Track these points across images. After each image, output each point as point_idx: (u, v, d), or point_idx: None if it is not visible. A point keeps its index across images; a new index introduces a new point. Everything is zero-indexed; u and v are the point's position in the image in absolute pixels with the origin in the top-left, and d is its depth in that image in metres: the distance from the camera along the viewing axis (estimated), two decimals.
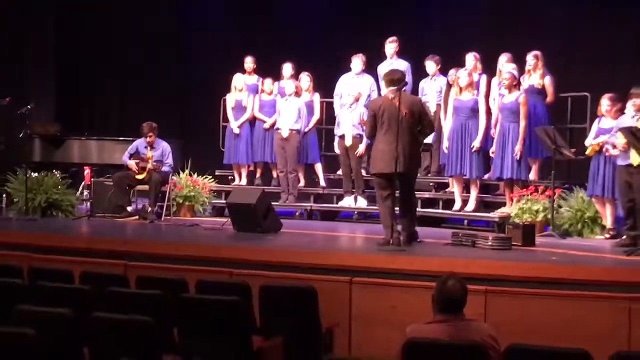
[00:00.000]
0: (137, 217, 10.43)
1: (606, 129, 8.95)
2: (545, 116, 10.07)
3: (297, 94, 11.25)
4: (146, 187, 10.47)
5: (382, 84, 10.96)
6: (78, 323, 4.52)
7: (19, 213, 10.30)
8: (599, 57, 11.82)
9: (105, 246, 7.95)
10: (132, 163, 10.46)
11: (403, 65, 10.78)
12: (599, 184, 8.96)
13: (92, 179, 11.30)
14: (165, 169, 10.54)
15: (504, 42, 11.14)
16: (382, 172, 8.03)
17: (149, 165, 10.40)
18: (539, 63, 10.12)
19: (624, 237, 8.37)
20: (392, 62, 11.07)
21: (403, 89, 8.09)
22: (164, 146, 10.64)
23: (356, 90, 10.94)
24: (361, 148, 10.63)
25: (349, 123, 10.79)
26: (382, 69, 11.15)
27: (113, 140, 12.48)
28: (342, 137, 10.88)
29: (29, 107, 11.06)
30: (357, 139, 10.67)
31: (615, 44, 11.76)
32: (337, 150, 11.17)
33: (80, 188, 11.86)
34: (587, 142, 9.16)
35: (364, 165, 10.85)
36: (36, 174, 10.73)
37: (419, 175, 9.11)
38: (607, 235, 8.97)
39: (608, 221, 9.05)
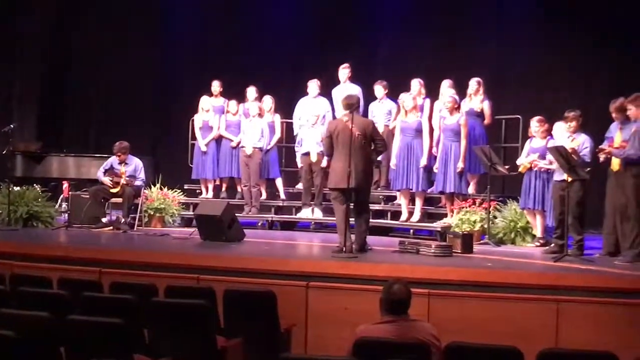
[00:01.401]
0: (111, 227, 10.31)
1: (536, 148, 9.09)
2: (483, 136, 10.17)
3: (260, 114, 11.25)
4: (120, 199, 10.37)
5: (337, 106, 11.09)
6: (55, 325, 4.46)
7: (1, 224, 10.12)
8: (527, 83, 12.05)
9: (82, 254, 7.84)
10: (106, 180, 10.36)
11: (355, 89, 10.85)
12: (530, 197, 9.07)
13: (69, 193, 11.17)
14: (137, 183, 10.46)
15: (445, 69, 11.27)
16: (337, 187, 8.07)
17: (123, 180, 10.32)
18: (480, 88, 10.24)
19: (553, 245, 8.44)
20: (346, 86, 11.13)
21: (357, 111, 8.18)
22: (136, 162, 10.56)
23: (316, 111, 10.97)
24: (324, 163, 10.66)
25: (313, 141, 10.82)
26: (336, 92, 11.21)
27: (89, 157, 12.44)
28: (306, 154, 10.89)
29: (12, 126, 10.95)
30: (321, 154, 10.71)
31: (541, 72, 12.01)
32: (299, 165, 11.17)
33: (59, 201, 11.71)
34: (519, 161, 9.27)
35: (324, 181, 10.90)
36: (18, 188, 10.56)
37: None
38: (538, 244, 9.07)
39: (538, 231, 9.16)
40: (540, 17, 12.09)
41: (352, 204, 8.18)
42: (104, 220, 10.49)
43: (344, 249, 7.84)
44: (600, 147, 8.12)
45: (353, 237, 8.15)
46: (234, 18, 14.08)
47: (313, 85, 11.30)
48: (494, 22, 12.38)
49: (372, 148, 8.22)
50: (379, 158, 10.28)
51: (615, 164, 7.91)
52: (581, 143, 8.20)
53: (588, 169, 8.05)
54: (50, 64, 14.48)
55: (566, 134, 8.40)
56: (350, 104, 8.15)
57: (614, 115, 8.19)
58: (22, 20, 14.02)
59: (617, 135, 8.06)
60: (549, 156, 8.61)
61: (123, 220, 10.27)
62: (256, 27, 13.92)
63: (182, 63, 14.23)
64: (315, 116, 10.87)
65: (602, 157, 8.08)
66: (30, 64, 14.28)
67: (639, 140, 7.61)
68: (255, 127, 11.12)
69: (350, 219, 8.22)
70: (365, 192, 8.37)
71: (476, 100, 10.23)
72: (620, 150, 7.84)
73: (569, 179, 7.91)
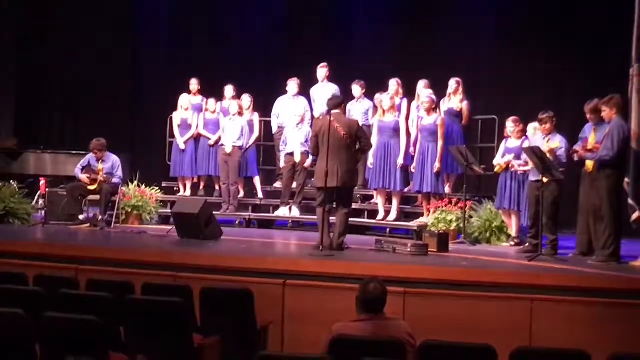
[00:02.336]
0: (88, 224, 10.24)
1: (512, 149, 9.15)
2: (460, 136, 10.21)
3: (240, 113, 11.21)
4: (97, 197, 10.28)
5: (315, 105, 11.09)
6: (31, 322, 4.43)
7: None
8: (503, 85, 12.14)
9: (58, 251, 7.77)
10: (83, 177, 10.29)
11: (333, 88, 10.87)
12: (505, 197, 9.13)
13: (47, 189, 11.03)
14: (115, 180, 10.39)
15: (422, 69, 11.31)
16: (322, 185, 8.08)
17: (100, 178, 10.25)
18: (459, 88, 10.26)
19: (527, 244, 8.50)
20: (324, 85, 11.15)
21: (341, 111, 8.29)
22: (114, 159, 10.48)
23: (297, 111, 10.95)
24: (308, 162, 10.69)
25: (297, 141, 10.80)
26: (314, 91, 11.22)
27: (67, 154, 12.33)
28: (291, 154, 10.87)
29: None
30: (305, 154, 10.71)
31: (516, 74, 12.11)
32: (282, 165, 11.14)
33: (36, 197, 11.59)
34: (495, 161, 9.33)
35: (307, 180, 10.92)
36: None
37: None
38: (512, 243, 9.13)
39: (513, 230, 9.22)
40: (515, 18, 12.17)
41: (335, 201, 8.22)
42: (81, 217, 10.42)
43: (321, 247, 7.85)
44: (573, 148, 8.19)
45: (332, 236, 8.18)
46: (211, 15, 14.01)
47: (293, 84, 11.28)
48: (470, 22, 12.43)
49: (357, 148, 8.27)
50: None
51: (589, 165, 7.98)
52: (558, 143, 8.27)
53: (562, 169, 8.12)
54: (26, 60, 14.34)
55: (541, 135, 8.46)
56: (337, 104, 8.24)
57: (588, 116, 8.26)
58: None
59: (591, 136, 8.12)
60: (524, 156, 8.67)
61: (100, 217, 10.20)
62: (233, 25, 13.89)
63: (159, 60, 14.15)
64: (299, 116, 10.85)
65: (576, 157, 8.16)
66: (5, 60, 14.13)
67: (611, 142, 7.67)
68: (236, 125, 11.09)
69: (332, 218, 8.26)
70: (349, 191, 8.41)
71: (455, 100, 10.26)
72: (593, 153, 7.91)
73: (545, 180, 7.97)
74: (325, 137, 8.00)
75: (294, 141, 10.85)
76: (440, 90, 10.33)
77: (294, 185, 10.86)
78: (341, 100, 8.49)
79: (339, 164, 7.94)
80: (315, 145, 8.25)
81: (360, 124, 10.53)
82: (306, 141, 10.59)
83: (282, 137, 11.13)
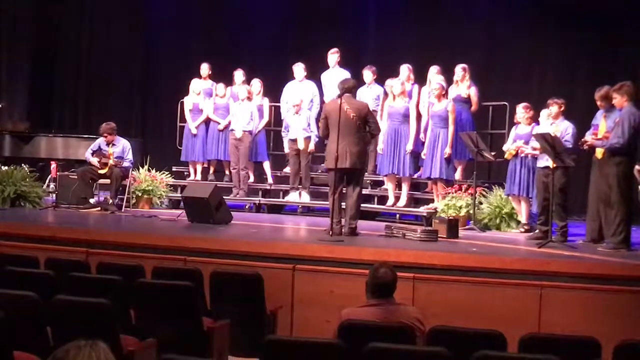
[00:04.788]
0: (99, 208, 10.27)
1: (522, 135, 9.12)
2: (470, 123, 10.19)
3: (249, 98, 11.21)
4: (108, 181, 10.32)
5: (326, 90, 11.06)
6: (42, 305, 4.44)
7: None
8: (514, 71, 12.09)
9: (69, 235, 7.79)
10: (93, 160, 10.31)
11: (344, 74, 10.83)
12: (515, 183, 9.10)
13: (57, 173, 11.09)
14: (125, 164, 10.41)
15: (433, 56, 11.28)
16: (332, 167, 8.09)
17: (111, 162, 10.27)
18: (466, 75, 10.24)
19: (537, 231, 8.49)
20: (335, 71, 11.11)
21: (352, 95, 8.30)
22: (124, 144, 10.50)
23: (299, 97, 10.95)
24: (311, 146, 10.73)
25: (299, 127, 10.81)
26: (325, 77, 11.19)
27: (78, 138, 12.36)
28: (294, 140, 10.88)
29: (0, 106, 10.86)
30: (307, 140, 10.73)
31: (528, 60, 12.04)
32: (287, 150, 11.17)
33: (47, 181, 11.63)
34: (505, 147, 9.30)
35: (311, 165, 10.94)
36: (6, 168, 10.50)
37: None
38: (522, 230, 9.11)
39: (523, 217, 9.20)
40: (529, 4, 12.10)
41: (345, 185, 8.22)
42: (91, 201, 10.45)
43: (331, 232, 7.85)
44: (583, 139, 8.15)
45: (343, 221, 8.19)
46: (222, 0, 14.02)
47: (299, 69, 11.27)
48: (482, 9, 12.38)
49: (366, 131, 8.27)
50: None
51: (599, 152, 7.94)
52: (564, 129, 8.24)
53: (573, 156, 8.09)
54: (39, 44, 14.37)
55: (549, 121, 8.44)
56: (348, 88, 8.23)
57: (598, 103, 8.21)
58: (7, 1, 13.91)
59: (601, 123, 8.08)
60: (533, 142, 8.64)
61: (111, 201, 10.22)
62: (244, 10, 13.87)
63: (170, 45, 14.14)
64: (299, 100, 10.85)
65: (585, 147, 8.12)
66: (18, 44, 14.16)
67: (622, 129, 7.63)
68: (245, 110, 11.09)
69: (342, 204, 8.27)
70: (359, 173, 8.39)
71: (463, 86, 10.24)
72: (603, 142, 7.87)
73: (553, 166, 7.94)
74: (336, 119, 8.01)
75: (295, 127, 10.86)
76: (452, 77, 10.30)
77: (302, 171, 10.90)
78: (353, 84, 8.46)
79: (349, 145, 7.96)
80: (325, 126, 8.25)
81: (372, 110, 10.62)
82: (308, 125, 10.62)
83: (284, 123, 11.14)
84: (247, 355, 5.30)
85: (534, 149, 8.75)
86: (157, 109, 13.97)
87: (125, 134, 10.76)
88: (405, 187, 10.15)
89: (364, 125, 8.19)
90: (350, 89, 8.25)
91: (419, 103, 10.37)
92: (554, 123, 8.34)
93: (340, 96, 8.04)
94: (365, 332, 4.12)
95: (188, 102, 11.69)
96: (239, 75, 11.59)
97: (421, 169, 10.15)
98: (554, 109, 8.38)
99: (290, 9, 13.56)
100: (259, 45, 13.48)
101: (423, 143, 10.03)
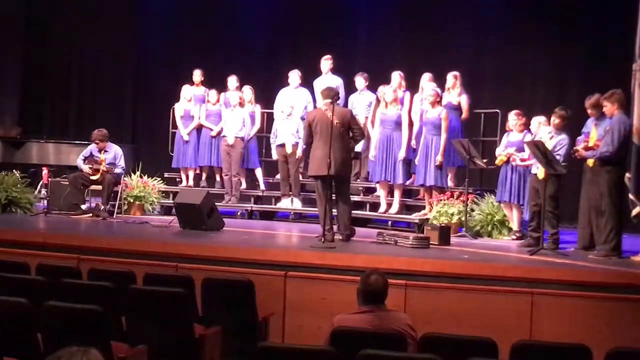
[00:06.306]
0: (90, 214, 10.25)
1: (513, 142, 9.15)
2: (459, 130, 10.21)
3: (241, 104, 11.22)
4: (99, 187, 10.31)
5: (318, 97, 11.06)
6: (33, 311, 4.42)
7: None
8: (506, 79, 12.12)
9: (60, 241, 7.77)
10: (85, 167, 10.30)
11: (337, 80, 10.85)
12: (507, 190, 9.12)
13: (49, 179, 11.05)
14: (117, 170, 10.40)
15: (425, 63, 11.31)
16: (317, 174, 8.13)
17: (102, 168, 10.26)
18: (457, 82, 10.26)
19: (528, 238, 8.50)
20: (327, 77, 11.12)
21: (336, 102, 8.28)
22: (116, 150, 10.50)
23: (293, 102, 10.97)
24: (299, 152, 10.72)
25: (288, 132, 10.82)
26: (318, 83, 11.21)
27: (69, 144, 12.34)
28: (282, 145, 10.90)
29: None
30: (295, 145, 10.75)
31: (519, 68, 12.08)
32: (275, 157, 11.19)
33: (38, 187, 11.60)
34: (496, 153, 9.32)
35: (301, 170, 10.93)
36: None
37: None
38: (514, 237, 9.13)
39: (514, 224, 9.22)
40: (520, 12, 12.13)
41: (334, 195, 8.23)
42: (83, 207, 10.42)
43: (322, 239, 7.85)
44: (574, 148, 8.17)
45: (335, 227, 8.20)
46: (215, 5, 14.01)
47: (294, 76, 11.28)
48: (473, 16, 12.41)
49: (350, 137, 8.29)
50: (359, 149, 10.33)
51: (590, 160, 7.97)
52: (557, 142, 8.21)
53: (564, 163, 8.11)
54: (30, 50, 14.32)
55: (547, 129, 8.42)
56: (328, 95, 8.27)
57: (589, 111, 8.25)
58: None
59: (592, 131, 8.11)
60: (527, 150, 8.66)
61: (102, 207, 10.21)
62: (237, 16, 13.86)
63: (162, 51, 14.13)
64: (290, 107, 10.87)
65: (577, 156, 8.15)
66: (9, 49, 14.11)
67: (612, 137, 7.66)
68: (237, 116, 11.10)
69: (333, 211, 8.29)
70: (345, 179, 8.43)
71: (454, 94, 10.26)
72: (593, 152, 7.90)
73: (543, 177, 7.96)
74: (319, 126, 8.05)
75: (284, 132, 10.88)
76: (444, 84, 10.33)
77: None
78: (335, 93, 8.49)
79: (333, 152, 7.99)
80: (309, 134, 8.31)
81: (363, 117, 10.65)
82: (297, 132, 10.64)
83: (272, 128, 11.16)
84: None
85: (522, 160, 8.79)
86: (149, 115, 13.95)
87: (117, 140, 10.74)
88: (397, 194, 10.16)
89: (348, 131, 8.23)
90: (332, 96, 8.29)
91: (411, 110, 10.39)
92: (551, 133, 8.30)
93: (330, 103, 8.09)
94: (357, 339, 4.12)
95: (179, 108, 11.69)
96: (232, 80, 11.59)
97: (413, 176, 10.16)
98: (556, 120, 8.33)
99: (283, 15, 13.57)
100: (251, 52, 13.49)
101: (415, 150, 10.05)
